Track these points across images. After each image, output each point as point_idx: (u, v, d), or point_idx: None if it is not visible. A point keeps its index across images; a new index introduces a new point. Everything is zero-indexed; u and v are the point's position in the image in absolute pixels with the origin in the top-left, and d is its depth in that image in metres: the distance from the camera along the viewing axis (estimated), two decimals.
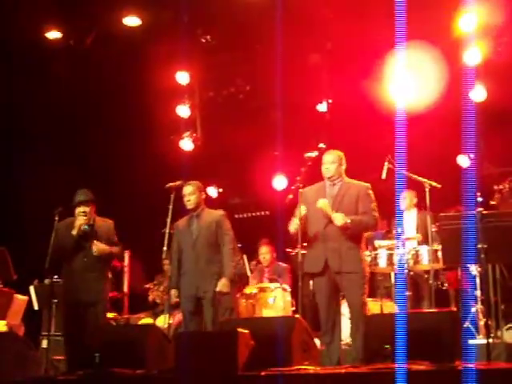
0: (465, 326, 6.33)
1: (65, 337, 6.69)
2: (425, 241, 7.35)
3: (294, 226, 5.90)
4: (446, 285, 7.37)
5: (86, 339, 5.69)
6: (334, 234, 5.81)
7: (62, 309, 6.86)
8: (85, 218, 6.43)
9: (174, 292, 6.47)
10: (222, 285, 6.27)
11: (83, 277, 6.40)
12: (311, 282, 6.47)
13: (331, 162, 5.98)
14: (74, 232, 6.40)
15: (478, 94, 8.00)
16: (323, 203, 5.82)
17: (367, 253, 6.86)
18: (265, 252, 8.49)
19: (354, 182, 6.05)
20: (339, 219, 5.73)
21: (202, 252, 6.39)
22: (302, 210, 5.83)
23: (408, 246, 7.34)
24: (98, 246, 6.38)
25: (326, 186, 6.00)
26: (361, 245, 5.94)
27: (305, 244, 6.78)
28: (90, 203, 6.52)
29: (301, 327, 5.25)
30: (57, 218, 6.41)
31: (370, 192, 5.96)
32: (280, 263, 8.47)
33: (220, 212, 6.60)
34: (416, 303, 7.47)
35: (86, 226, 6.42)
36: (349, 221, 5.73)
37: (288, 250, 8.15)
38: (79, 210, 6.48)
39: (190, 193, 6.50)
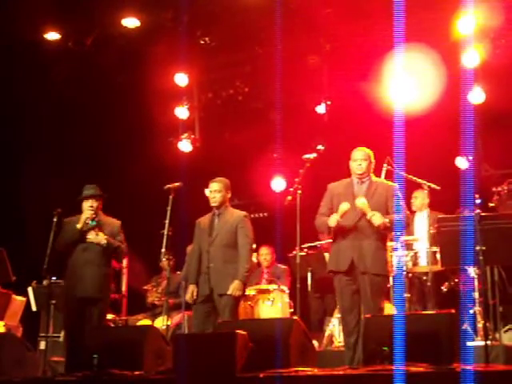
0: (463, 328, 6.33)
1: (65, 336, 6.62)
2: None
3: (333, 221, 5.72)
4: (443, 287, 7.36)
5: (86, 339, 5.67)
6: (364, 233, 5.75)
7: (62, 308, 6.85)
8: (92, 212, 6.40)
9: (192, 287, 6.28)
10: (234, 288, 6.14)
11: (84, 272, 6.34)
12: (309, 282, 6.46)
13: (363, 159, 5.90)
14: (79, 226, 6.35)
15: (477, 96, 8.00)
16: (363, 203, 5.72)
17: None
18: (266, 253, 8.49)
19: (382, 180, 6.03)
20: (377, 219, 5.66)
21: (219, 252, 6.26)
22: (345, 206, 5.70)
23: (417, 247, 7.30)
24: (101, 236, 6.38)
25: (354, 184, 5.94)
26: (386, 245, 5.91)
27: (304, 246, 6.78)
28: (98, 198, 6.51)
29: (299, 329, 5.25)
30: (55, 220, 6.40)
31: (399, 192, 5.92)
32: (279, 265, 8.47)
33: (243, 213, 6.45)
34: (420, 306, 7.45)
35: (93, 221, 6.39)
36: (387, 220, 5.68)
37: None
38: (87, 204, 6.46)
39: (216, 190, 6.36)
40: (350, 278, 5.76)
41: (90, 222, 6.39)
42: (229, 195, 6.46)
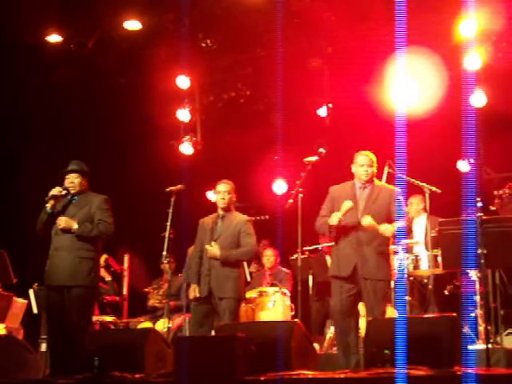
0: (464, 331, 6.32)
1: (47, 331, 6.27)
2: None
3: (335, 219, 5.69)
4: (445, 291, 7.35)
5: (87, 342, 5.63)
6: (366, 239, 5.75)
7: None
8: (59, 189, 6.00)
9: (194, 287, 6.28)
10: (210, 249, 6.19)
11: (56, 258, 5.98)
12: (311, 286, 6.46)
13: (369, 164, 5.89)
14: (48, 206, 6.03)
15: (478, 99, 8.00)
16: (369, 222, 5.69)
17: None
18: (269, 254, 8.51)
19: (385, 185, 6.04)
20: (388, 232, 5.68)
21: None
22: (348, 204, 5.69)
23: (416, 251, 7.31)
24: (61, 220, 5.96)
25: (356, 188, 5.92)
26: (389, 250, 5.91)
27: (306, 248, 6.79)
28: (80, 174, 6.17)
29: (300, 332, 5.25)
30: None
31: (401, 196, 5.93)
32: (282, 268, 8.47)
33: (246, 217, 6.49)
34: (421, 309, 7.45)
35: (59, 190, 5.99)
36: (394, 229, 5.71)
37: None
38: (67, 180, 6.14)
39: (226, 191, 6.39)
40: (352, 283, 5.76)
41: (55, 192, 5.98)
42: (234, 198, 6.49)
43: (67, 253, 5.97)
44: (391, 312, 7.17)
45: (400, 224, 5.75)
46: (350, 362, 5.71)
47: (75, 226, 5.98)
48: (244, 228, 6.36)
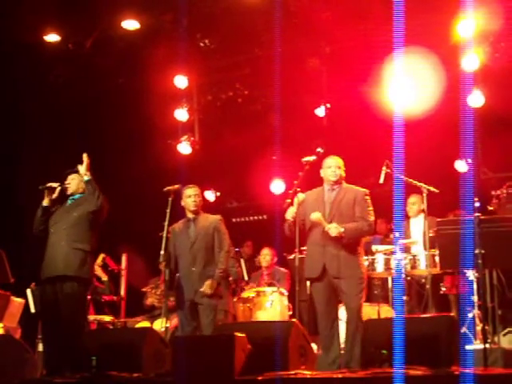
0: (462, 331, 6.33)
1: (41, 326, 6.36)
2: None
3: (290, 214, 5.94)
4: (443, 289, 7.35)
5: (85, 341, 5.62)
6: (333, 239, 5.85)
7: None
8: (57, 183, 6.13)
9: (172, 299, 6.59)
10: (207, 285, 6.35)
11: (52, 251, 6.03)
12: (308, 286, 6.48)
13: (337, 166, 6.04)
14: (45, 201, 6.11)
15: (476, 99, 8.01)
16: (317, 216, 5.88)
17: (364, 257, 6.85)
18: (266, 253, 8.54)
19: (352, 187, 6.10)
20: (333, 231, 5.80)
21: (198, 256, 6.47)
22: (300, 197, 5.90)
23: (414, 250, 7.31)
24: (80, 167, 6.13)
25: (325, 191, 6.05)
26: (359, 249, 5.98)
27: (303, 248, 6.82)
28: (79, 175, 6.27)
29: (298, 331, 5.25)
30: None
31: (367, 197, 6.02)
32: (279, 268, 8.48)
33: (217, 216, 6.70)
34: (419, 309, 7.45)
35: (57, 184, 6.09)
36: (342, 230, 5.80)
37: (285, 254, 8.18)
38: (66, 181, 6.27)
39: (195, 194, 6.62)
40: (324, 283, 5.89)
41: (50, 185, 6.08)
42: (202, 201, 6.78)
43: (62, 244, 6.04)
44: (388, 312, 7.18)
45: (352, 226, 5.83)
46: (330, 358, 5.80)
47: (87, 175, 6.16)
48: (218, 228, 6.56)
